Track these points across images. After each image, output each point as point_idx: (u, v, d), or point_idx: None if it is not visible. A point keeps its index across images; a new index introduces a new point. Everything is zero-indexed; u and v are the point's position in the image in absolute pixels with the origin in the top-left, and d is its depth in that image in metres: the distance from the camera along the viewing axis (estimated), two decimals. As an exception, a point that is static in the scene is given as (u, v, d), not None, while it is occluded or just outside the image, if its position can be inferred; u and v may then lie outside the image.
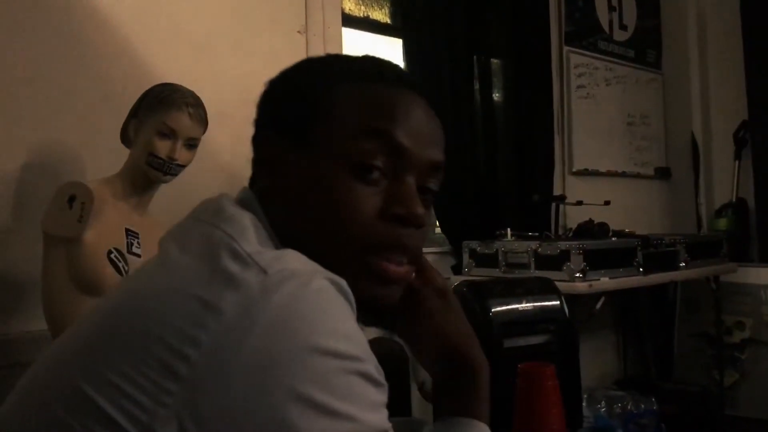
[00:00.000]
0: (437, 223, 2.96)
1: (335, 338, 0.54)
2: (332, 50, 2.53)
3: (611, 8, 3.86)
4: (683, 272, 3.06)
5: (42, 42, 1.88)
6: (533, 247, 2.63)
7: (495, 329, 1.39)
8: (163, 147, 1.63)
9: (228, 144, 2.11)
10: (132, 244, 1.64)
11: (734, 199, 4.08)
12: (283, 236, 0.66)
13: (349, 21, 2.73)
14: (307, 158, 0.68)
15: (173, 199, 1.65)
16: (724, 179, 4.14)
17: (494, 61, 3.22)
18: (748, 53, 4.12)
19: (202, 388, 0.52)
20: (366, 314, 0.65)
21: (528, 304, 1.46)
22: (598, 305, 2.69)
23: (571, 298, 2.00)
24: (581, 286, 2.47)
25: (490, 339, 1.38)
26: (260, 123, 0.74)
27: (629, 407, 1.50)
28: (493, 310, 1.40)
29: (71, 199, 1.54)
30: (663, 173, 4.16)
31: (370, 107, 0.68)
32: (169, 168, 1.64)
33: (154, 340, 0.53)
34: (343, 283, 0.59)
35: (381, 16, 2.93)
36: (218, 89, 2.10)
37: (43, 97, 1.88)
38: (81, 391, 0.54)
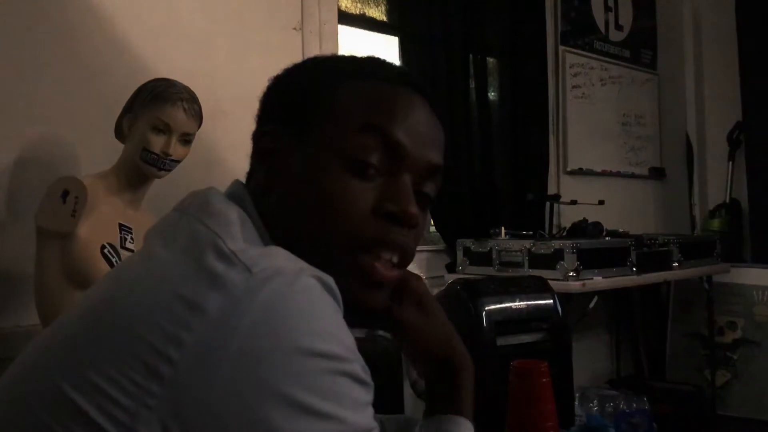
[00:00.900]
0: (432, 221, 2.96)
1: (320, 338, 0.54)
2: (328, 47, 2.53)
3: (607, 8, 3.87)
4: (676, 272, 3.08)
5: (37, 37, 1.87)
6: (527, 245, 2.64)
7: (488, 327, 1.39)
8: (157, 142, 1.62)
9: (223, 139, 2.10)
10: (125, 239, 1.64)
11: (728, 200, 4.10)
12: (274, 231, 0.66)
13: (345, 18, 2.73)
14: (306, 152, 0.67)
15: (167, 195, 1.65)
16: (718, 180, 4.15)
17: (490, 60, 3.23)
18: (743, 55, 4.13)
19: (185, 389, 0.51)
20: (352, 314, 0.64)
21: (521, 303, 1.46)
22: (592, 304, 2.71)
23: (565, 297, 2.00)
24: (575, 285, 2.48)
25: (483, 337, 1.38)
26: (262, 117, 0.74)
27: (621, 406, 1.50)
28: (486, 308, 1.40)
29: (65, 194, 1.53)
30: (657, 173, 4.18)
31: (370, 103, 0.68)
32: (164, 163, 1.64)
33: (137, 340, 0.52)
34: (330, 280, 0.58)
35: (377, 13, 2.93)
36: (214, 85, 2.10)
37: (37, 92, 1.87)
38: (61, 392, 0.53)
